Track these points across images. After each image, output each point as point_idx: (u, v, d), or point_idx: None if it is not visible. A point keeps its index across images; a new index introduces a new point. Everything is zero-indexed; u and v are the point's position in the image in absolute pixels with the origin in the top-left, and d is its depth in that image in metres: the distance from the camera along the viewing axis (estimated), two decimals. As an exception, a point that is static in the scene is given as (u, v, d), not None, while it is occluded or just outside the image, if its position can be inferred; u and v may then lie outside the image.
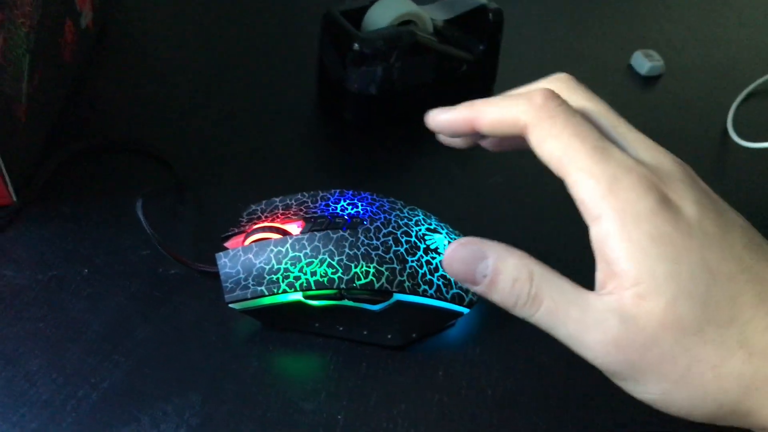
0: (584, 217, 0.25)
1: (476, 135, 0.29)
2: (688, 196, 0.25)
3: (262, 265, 0.31)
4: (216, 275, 0.32)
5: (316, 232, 0.31)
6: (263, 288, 0.31)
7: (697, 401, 0.24)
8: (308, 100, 0.49)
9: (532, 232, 0.40)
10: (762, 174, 0.46)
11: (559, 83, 0.29)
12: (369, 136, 0.46)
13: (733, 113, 0.50)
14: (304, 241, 0.31)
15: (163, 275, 0.35)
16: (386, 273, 0.31)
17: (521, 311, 0.25)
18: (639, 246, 0.24)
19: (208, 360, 0.32)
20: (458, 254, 0.26)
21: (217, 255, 0.32)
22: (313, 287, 0.31)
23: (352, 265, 0.31)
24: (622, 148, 0.26)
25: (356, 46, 0.42)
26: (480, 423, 0.30)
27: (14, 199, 0.38)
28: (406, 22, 0.44)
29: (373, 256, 0.31)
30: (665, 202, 0.24)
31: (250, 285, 0.31)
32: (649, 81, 0.54)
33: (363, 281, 0.31)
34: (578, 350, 0.25)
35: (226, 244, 0.34)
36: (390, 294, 0.31)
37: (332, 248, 0.31)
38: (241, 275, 0.31)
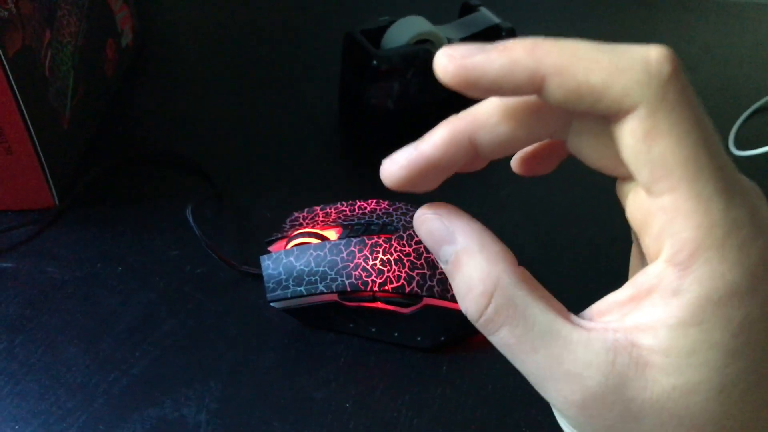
0: (648, 243, 0.18)
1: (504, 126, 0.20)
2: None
3: (302, 267, 0.33)
4: (258, 276, 0.35)
5: (352, 238, 0.33)
6: (302, 288, 0.33)
7: None
8: (330, 114, 0.51)
9: (542, 242, 0.42)
10: (754, 179, 0.47)
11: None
12: (387, 148, 0.48)
13: (738, 127, 0.51)
14: (341, 246, 0.33)
15: (190, 274, 0.38)
16: (417, 278, 0.33)
17: (475, 324, 0.20)
18: (714, 329, 0.17)
19: (228, 351, 0.34)
20: (427, 225, 0.21)
21: (261, 257, 0.34)
22: (348, 289, 0.33)
23: (385, 269, 0.33)
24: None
25: (375, 63, 0.44)
26: (480, 414, 0.32)
27: (57, 202, 0.41)
28: (422, 41, 0.47)
29: (405, 261, 0.33)
30: (764, 271, 0.17)
31: (290, 285, 0.33)
32: (661, 98, 0.55)
33: (395, 285, 0.33)
34: (536, 389, 0.20)
35: (270, 248, 0.37)
36: (420, 298, 0.33)
37: (367, 253, 0.33)
38: (283, 276, 0.33)
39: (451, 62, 0.18)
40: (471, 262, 0.20)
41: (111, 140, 0.47)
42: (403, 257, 0.33)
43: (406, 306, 0.33)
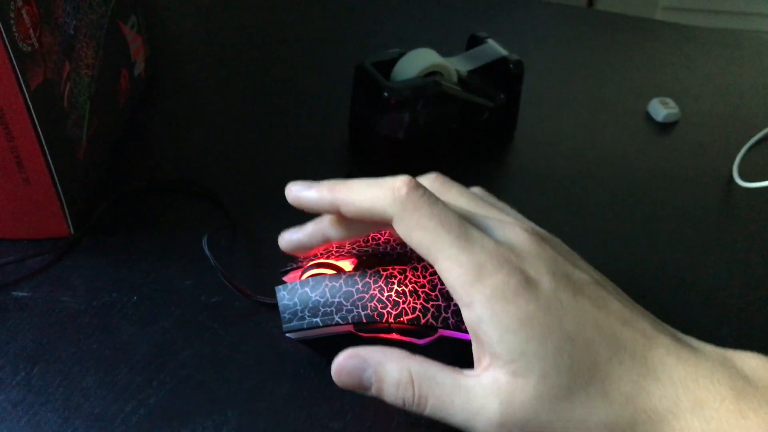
0: (456, 300, 0.28)
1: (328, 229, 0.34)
2: (543, 270, 0.28)
3: (317, 298, 0.34)
4: (273, 306, 0.35)
5: (367, 270, 0.34)
6: (318, 319, 0.33)
7: None
8: (342, 144, 0.52)
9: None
10: (760, 212, 0.48)
11: (432, 181, 0.33)
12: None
13: (741, 157, 0.52)
14: (357, 278, 0.34)
15: (205, 303, 0.38)
16: (432, 309, 0.33)
17: (411, 410, 0.28)
18: (509, 329, 0.27)
19: (244, 381, 0.34)
20: (344, 367, 0.30)
21: (276, 288, 0.35)
22: (364, 320, 0.33)
23: (401, 300, 0.33)
24: (485, 230, 0.29)
25: (385, 94, 0.45)
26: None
27: (72, 231, 0.41)
28: (432, 73, 0.48)
29: (420, 293, 0.33)
30: (526, 282, 0.27)
31: (306, 316, 0.34)
32: (665, 127, 0.56)
33: (410, 316, 0.33)
34: (468, 429, 0.28)
35: (285, 279, 0.37)
36: (435, 329, 0.33)
37: (382, 285, 0.33)
38: (298, 307, 0.34)
39: (289, 192, 0.33)
40: (386, 371, 0.29)
41: (125, 169, 0.48)
42: (418, 289, 0.33)
43: (421, 337, 0.34)
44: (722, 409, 0.26)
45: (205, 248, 0.38)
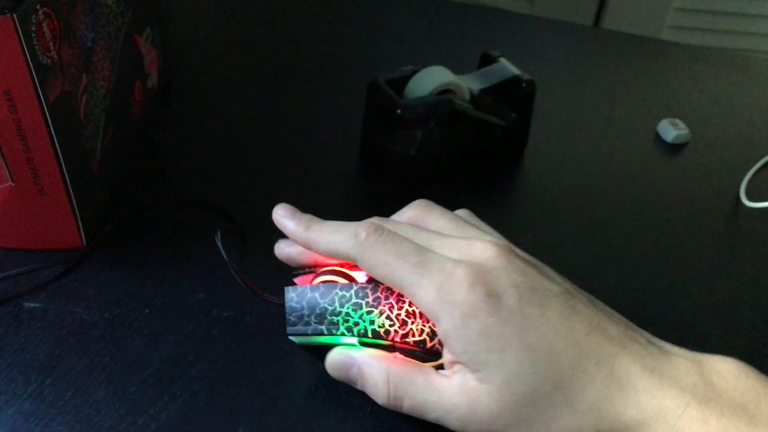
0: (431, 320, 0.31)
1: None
2: (505, 282, 0.29)
3: (325, 305, 0.33)
4: (280, 307, 0.34)
5: (380, 284, 0.33)
6: (323, 327, 0.33)
7: None
8: (352, 160, 0.52)
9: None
10: (767, 232, 0.48)
11: (416, 206, 0.36)
12: (408, 194, 0.49)
13: (749, 179, 0.52)
14: (368, 290, 0.33)
15: (216, 317, 0.38)
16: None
17: (391, 408, 0.32)
18: (471, 341, 0.29)
19: (256, 397, 0.34)
20: (335, 361, 0.33)
21: (285, 288, 0.34)
22: (370, 335, 0.33)
23: (409, 321, 0.33)
24: (450, 251, 0.31)
25: (399, 111, 0.46)
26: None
27: (84, 242, 0.41)
28: (445, 91, 0.48)
29: None
30: (487, 295, 0.29)
31: (311, 322, 0.33)
32: (675, 148, 0.57)
33: (416, 338, 0.32)
34: (446, 426, 0.31)
35: (296, 281, 0.37)
36: (439, 355, 0.33)
37: (393, 302, 0.33)
38: (305, 311, 0.33)
39: (274, 213, 0.36)
40: (368, 371, 0.32)
41: (137, 181, 0.48)
42: None
43: (425, 361, 0.33)
44: (685, 416, 0.27)
45: (218, 243, 0.38)
